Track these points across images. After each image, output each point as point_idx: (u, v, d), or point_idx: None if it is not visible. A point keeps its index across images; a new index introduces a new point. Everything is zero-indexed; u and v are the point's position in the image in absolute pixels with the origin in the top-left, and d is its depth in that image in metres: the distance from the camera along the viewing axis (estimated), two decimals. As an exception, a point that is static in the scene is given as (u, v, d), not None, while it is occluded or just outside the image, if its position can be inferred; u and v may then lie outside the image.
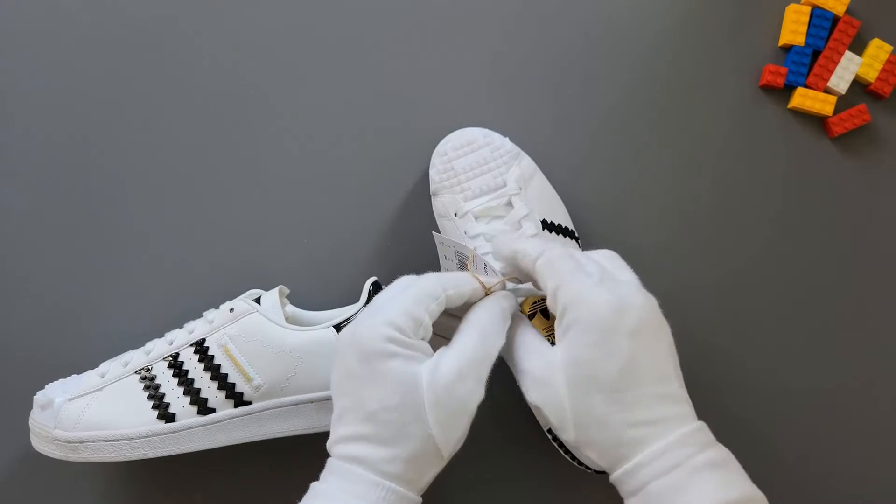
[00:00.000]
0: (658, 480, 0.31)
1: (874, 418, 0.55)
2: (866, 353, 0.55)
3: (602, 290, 0.34)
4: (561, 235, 0.49)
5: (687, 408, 0.34)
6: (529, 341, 0.37)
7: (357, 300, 0.48)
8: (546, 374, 0.34)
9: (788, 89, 0.57)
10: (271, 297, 0.47)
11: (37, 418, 0.45)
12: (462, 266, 0.45)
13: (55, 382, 0.47)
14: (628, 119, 0.57)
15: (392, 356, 0.34)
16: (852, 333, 0.55)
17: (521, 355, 0.37)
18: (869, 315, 0.56)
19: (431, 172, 0.51)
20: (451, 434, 0.34)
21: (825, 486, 0.53)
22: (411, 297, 0.36)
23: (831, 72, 0.57)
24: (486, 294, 0.39)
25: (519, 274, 0.41)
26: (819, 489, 0.53)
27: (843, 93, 0.57)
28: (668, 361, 0.34)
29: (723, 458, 0.33)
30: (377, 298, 0.38)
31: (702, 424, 0.34)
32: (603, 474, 0.46)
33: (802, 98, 0.56)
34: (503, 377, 0.56)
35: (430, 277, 0.37)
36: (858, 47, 0.57)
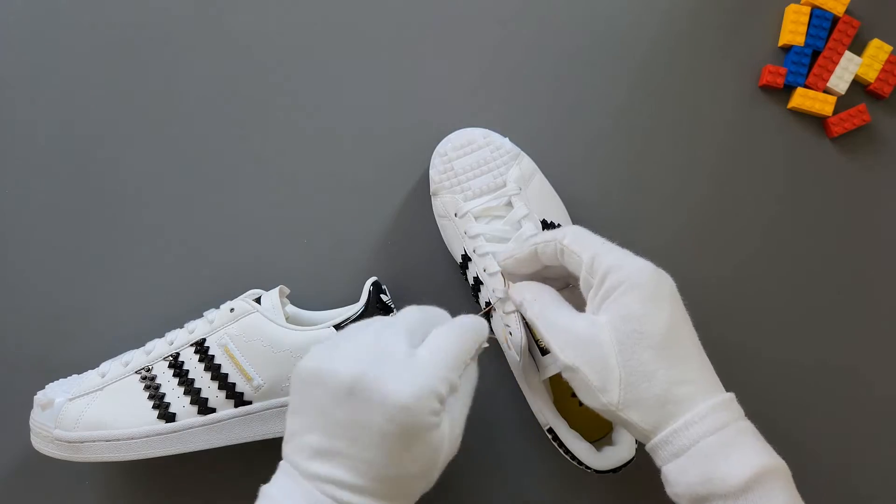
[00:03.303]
0: (711, 437, 0.32)
1: (874, 411, 0.55)
2: (866, 353, 0.55)
3: (636, 257, 0.36)
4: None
5: (716, 376, 0.36)
6: (563, 305, 0.38)
7: (357, 300, 0.48)
8: (590, 333, 0.34)
9: (788, 89, 0.57)
10: (271, 297, 0.47)
11: (37, 418, 0.45)
12: None
13: (56, 382, 0.47)
14: (628, 119, 0.57)
15: (432, 428, 0.31)
16: (853, 333, 0.56)
17: (556, 316, 0.37)
18: (869, 314, 0.56)
19: (431, 172, 0.51)
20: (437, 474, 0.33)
21: (831, 479, 0.53)
22: (453, 357, 0.33)
23: (831, 72, 0.57)
24: None
25: (533, 274, 0.42)
26: (826, 482, 0.53)
27: (843, 93, 0.57)
28: (693, 330, 0.36)
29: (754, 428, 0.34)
30: (407, 325, 0.34)
31: (733, 394, 0.35)
32: (602, 474, 0.46)
33: (802, 98, 0.56)
34: (503, 382, 0.56)
35: (468, 326, 0.36)
36: (858, 47, 0.57)
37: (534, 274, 0.42)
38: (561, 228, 0.40)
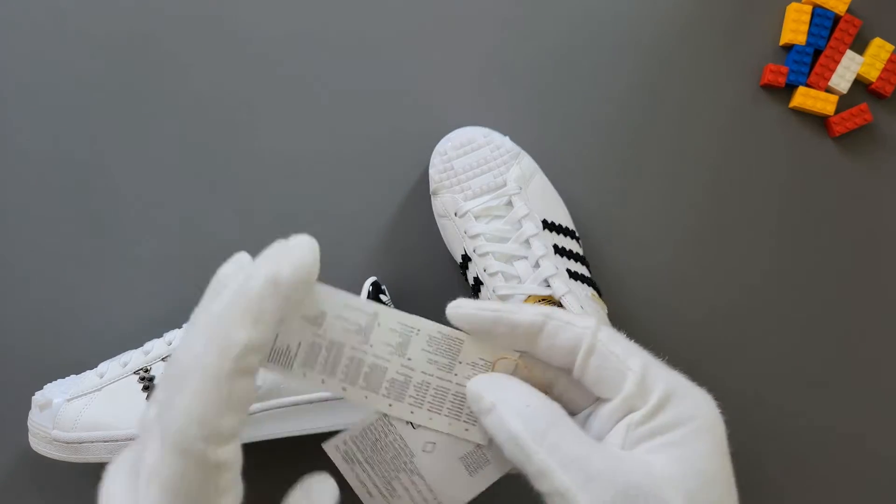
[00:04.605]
0: None
1: (883, 425, 0.54)
2: (867, 352, 0.55)
3: (689, 381, 0.26)
4: (561, 235, 0.49)
5: None
6: (576, 428, 0.24)
7: (357, 300, 0.48)
8: (649, 485, 0.22)
9: (789, 88, 0.57)
10: (270, 297, 0.46)
11: (35, 419, 0.45)
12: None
13: (54, 383, 0.47)
14: (629, 118, 0.56)
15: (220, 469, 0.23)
16: (853, 332, 0.55)
17: (577, 447, 0.23)
18: (870, 314, 0.56)
19: (431, 172, 0.51)
20: None
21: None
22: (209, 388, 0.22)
23: (832, 71, 0.56)
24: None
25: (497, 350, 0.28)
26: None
27: (845, 92, 0.57)
28: None
29: None
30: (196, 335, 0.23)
31: None
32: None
33: (804, 97, 0.56)
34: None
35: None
36: (860, 47, 0.57)
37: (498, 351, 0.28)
38: (583, 316, 0.26)
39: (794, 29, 0.56)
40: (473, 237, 0.49)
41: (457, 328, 0.27)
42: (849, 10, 0.57)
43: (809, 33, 0.57)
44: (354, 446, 0.28)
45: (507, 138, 0.51)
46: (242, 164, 0.55)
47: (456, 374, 0.27)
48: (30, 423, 0.45)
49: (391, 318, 0.27)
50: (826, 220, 0.56)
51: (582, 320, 0.26)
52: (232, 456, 0.23)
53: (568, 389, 0.27)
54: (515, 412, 0.24)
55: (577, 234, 0.51)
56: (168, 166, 0.54)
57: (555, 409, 0.25)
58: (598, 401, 0.26)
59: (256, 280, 0.23)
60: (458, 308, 0.27)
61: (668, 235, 0.55)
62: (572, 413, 0.27)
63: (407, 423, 0.28)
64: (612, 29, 0.57)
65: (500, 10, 0.57)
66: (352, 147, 0.55)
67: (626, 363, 0.25)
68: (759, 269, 0.56)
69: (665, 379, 0.25)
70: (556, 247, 0.48)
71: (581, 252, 0.50)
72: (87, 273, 0.53)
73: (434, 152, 0.51)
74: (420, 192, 0.54)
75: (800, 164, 0.57)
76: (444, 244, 0.52)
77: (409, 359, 0.27)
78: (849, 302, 0.56)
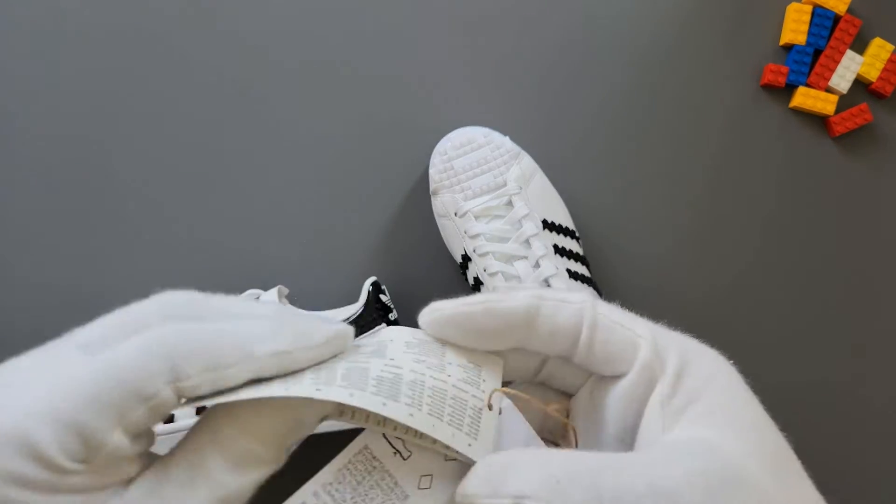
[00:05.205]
0: None
1: (873, 417, 0.54)
2: (867, 351, 0.55)
3: (689, 337, 0.24)
4: (561, 235, 0.49)
5: None
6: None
7: (356, 300, 0.48)
8: (729, 464, 0.19)
9: (790, 88, 0.57)
10: (270, 296, 0.46)
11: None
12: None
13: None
14: (629, 118, 0.56)
15: None
16: (853, 331, 0.55)
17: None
18: (870, 314, 0.56)
19: (431, 171, 0.51)
20: None
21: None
22: (89, 394, 0.17)
23: (832, 71, 0.56)
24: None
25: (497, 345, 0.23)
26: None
27: (845, 92, 0.57)
28: None
29: None
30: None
31: None
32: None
33: (804, 97, 0.56)
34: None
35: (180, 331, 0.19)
36: (860, 46, 0.57)
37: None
38: (572, 291, 0.23)
39: (795, 29, 0.56)
40: (473, 237, 0.48)
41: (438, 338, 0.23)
42: (849, 10, 0.57)
43: (809, 33, 0.57)
44: (329, 497, 0.21)
45: (508, 138, 0.51)
46: (243, 165, 0.55)
47: (450, 376, 0.22)
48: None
49: (359, 342, 0.22)
50: (826, 219, 0.56)
51: (575, 296, 0.22)
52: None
53: (557, 370, 0.24)
54: (548, 499, 0.18)
55: (577, 234, 0.51)
56: (169, 166, 0.54)
57: (580, 458, 0.19)
58: (602, 380, 0.23)
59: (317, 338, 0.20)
60: (435, 312, 0.22)
61: (668, 235, 0.55)
62: (568, 394, 0.24)
63: (395, 451, 0.21)
64: (612, 29, 0.57)
65: (500, 9, 0.57)
66: (352, 147, 0.55)
67: (634, 331, 0.22)
68: (760, 269, 0.56)
69: (674, 340, 0.22)
70: (556, 247, 0.48)
71: (581, 252, 0.50)
72: (86, 273, 0.53)
73: (434, 152, 0.51)
74: (420, 192, 0.54)
75: (799, 164, 0.57)
76: (444, 244, 0.52)
77: (392, 359, 0.21)
78: (849, 302, 0.56)
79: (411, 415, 0.20)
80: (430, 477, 0.21)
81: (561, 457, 0.19)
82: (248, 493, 0.19)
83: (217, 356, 0.18)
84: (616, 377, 0.22)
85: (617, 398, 0.22)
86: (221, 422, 0.19)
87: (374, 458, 0.21)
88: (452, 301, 0.22)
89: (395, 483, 0.21)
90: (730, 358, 0.23)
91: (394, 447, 0.21)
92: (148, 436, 0.19)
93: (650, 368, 0.21)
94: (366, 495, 0.21)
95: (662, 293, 0.55)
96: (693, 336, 0.23)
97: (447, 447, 0.21)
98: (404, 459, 0.21)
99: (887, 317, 0.56)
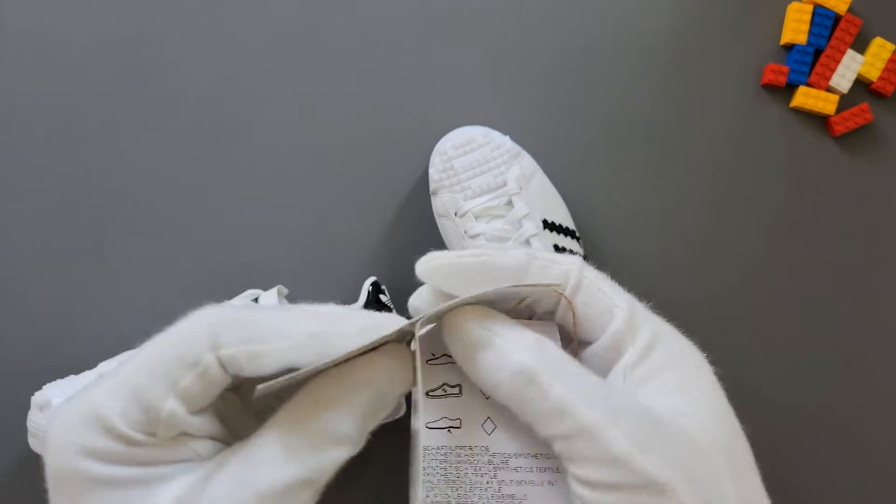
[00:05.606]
0: None
1: (874, 417, 0.54)
2: (867, 351, 0.55)
3: (671, 326, 0.25)
4: (561, 235, 0.49)
5: None
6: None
7: (356, 300, 0.48)
8: (671, 419, 0.20)
9: (790, 88, 0.57)
10: (270, 296, 0.46)
11: (34, 419, 0.45)
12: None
13: (53, 383, 0.47)
14: (629, 118, 0.56)
15: (94, 486, 0.18)
16: (853, 331, 0.55)
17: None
18: (871, 313, 0.55)
19: (431, 171, 0.51)
20: None
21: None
22: (145, 364, 0.19)
23: (833, 71, 0.56)
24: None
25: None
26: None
27: (846, 92, 0.56)
28: None
29: None
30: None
31: None
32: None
33: (804, 97, 0.56)
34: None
35: (202, 320, 0.19)
36: (860, 46, 0.57)
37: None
38: (564, 255, 0.25)
39: (795, 28, 0.56)
40: (473, 237, 0.48)
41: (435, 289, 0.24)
42: (849, 10, 0.57)
43: (810, 33, 0.57)
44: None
45: (508, 138, 0.51)
46: (242, 166, 0.55)
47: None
48: (29, 423, 0.45)
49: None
50: (826, 219, 0.56)
51: (565, 258, 0.24)
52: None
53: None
54: (520, 346, 0.20)
55: (577, 234, 0.51)
56: (167, 170, 0.54)
57: (559, 347, 0.22)
58: (579, 345, 0.24)
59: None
60: (433, 260, 0.24)
61: (668, 235, 0.55)
62: None
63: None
64: (612, 28, 0.57)
65: (500, 9, 0.57)
66: (352, 147, 0.55)
67: (613, 300, 0.23)
68: (760, 270, 0.55)
69: (651, 319, 0.23)
70: (556, 247, 0.48)
71: (581, 252, 0.50)
72: (86, 273, 0.53)
73: (434, 152, 0.51)
74: (420, 192, 0.54)
75: (800, 163, 0.57)
76: (445, 244, 0.52)
77: None
78: (850, 302, 0.55)
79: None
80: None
81: (538, 336, 0.21)
82: (329, 475, 0.19)
83: (255, 331, 0.19)
84: (589, 343, 0.23)
85: (584, 361, 0.23)
86: (305, 400, 0.20)
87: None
88: (449, 252, 0.24)
89: (487, 448, 0.22)
90: (728, 357, 0.23)
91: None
92: (212, 415, 0.20)
93: (620, 336, 0.22)
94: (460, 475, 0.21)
95: (662, 293, 0.54)
96: (692, 335, 0.23)
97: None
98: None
99: (887, 317, 0.56)
